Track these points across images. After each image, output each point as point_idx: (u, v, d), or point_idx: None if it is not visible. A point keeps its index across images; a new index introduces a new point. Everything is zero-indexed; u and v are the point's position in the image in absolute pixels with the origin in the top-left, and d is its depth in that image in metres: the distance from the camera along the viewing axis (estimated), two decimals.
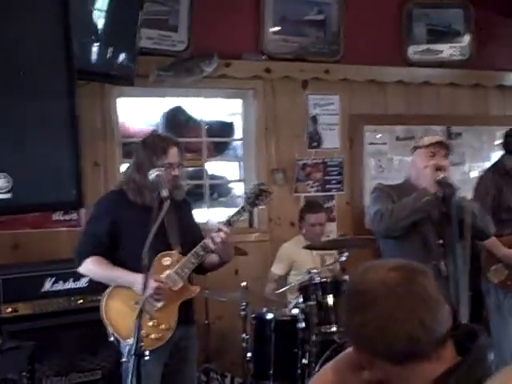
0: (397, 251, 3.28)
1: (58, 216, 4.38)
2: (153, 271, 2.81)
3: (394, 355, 1.31)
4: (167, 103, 4.91)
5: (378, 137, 5.34)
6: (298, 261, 4.54)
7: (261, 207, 3.21)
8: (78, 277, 3.80)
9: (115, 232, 3.00)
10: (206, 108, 5.01)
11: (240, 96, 5.08)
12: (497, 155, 5.71)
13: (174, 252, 3.00)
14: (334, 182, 5.18)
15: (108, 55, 3.88)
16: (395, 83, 5.28)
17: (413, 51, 5.42)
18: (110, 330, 2.94)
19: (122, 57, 3.97)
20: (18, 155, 1.65)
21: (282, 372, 3.93)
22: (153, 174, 2.87)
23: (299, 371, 3.83)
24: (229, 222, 3.04)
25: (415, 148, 3.41)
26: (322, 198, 5.10)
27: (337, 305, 3.84)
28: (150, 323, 2.88)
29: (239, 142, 5.24)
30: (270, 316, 3.97)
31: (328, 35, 5.08)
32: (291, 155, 5.02)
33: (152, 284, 2.80)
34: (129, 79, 3.93)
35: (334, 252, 4.55)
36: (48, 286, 3.79)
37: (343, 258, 3.99)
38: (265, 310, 4.07)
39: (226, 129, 5.25)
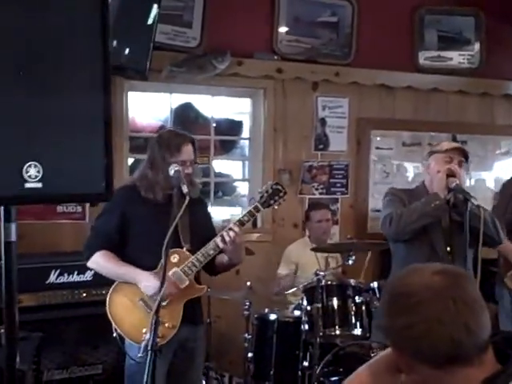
0: (405, 255, 3.30)
1: (62, 208, 4.35)
2: (160, 269, 2.76)
3: (436, 358, 1.31)
4: (177, 99, 4.88)
5: (378, 139, 5.32)
6: (302, 263, 4.54)
7: (275, 207, 3.10)
8: (82, 270, 3.79)
9: (125, 227, 2.98)
10: (215, 105, 4.99)
11: (250, 95, 5.07)
12: (500, 164, 5.76)
13: (182, 250, 2.97)
14: (339, 185, 5.17)
15: (117, 48, 3.84)
16: (404, 88, 5.28)
17: (423, 57, 5.42)
18: (113, 325, 2.92)
19: (133, 50, 3.93)
20: (50, 145, 1.62)
21: (283, 374, 3.92)
22: (172, 170, 2.85)
23: (300, 373, 3.83)
24: (240, 222, 2.98)
25: (432, 152, 3.42)
26: (327, 200, 5.09)
27: (341, 308, 3.86)
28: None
29: (246, 141, 5.23)
30: (272, 317, 3.97)
31: (340, 37, 5.07)
32: (298, 156, 5.02)
33: (157, 284, 2.73)
34: (142, 73, 3.89)
35: (338, 255, 4.56)
36: (53, 278, 3.78)
37: (350, 262, 3.98)
38: (267, 310, 4.07)
39: (234, 127, 5.24)
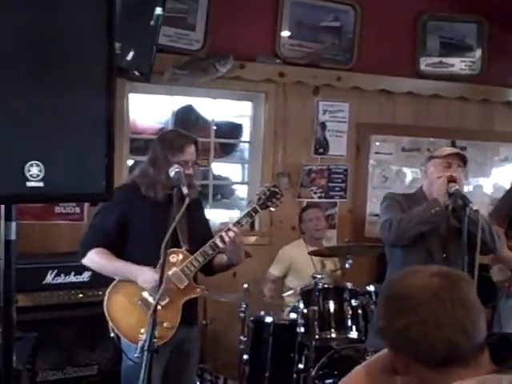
0: (402, 260, 3.30)
1: (60, 209, 4.36)
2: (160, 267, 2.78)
3: (434, 360, 1.33)
4: (178, 101, 4.89)
5: (378, 144, 5.34)
6: (296, 264, 4.56)
7: (272, 209, 3.14)
8: (79, 271, 3.79)
9: (123, 225, 2.99)
10: (216, 108, 5.00)
11: (251, 98, 5.08)
12: (499, 171, 5.78)
13: (181, 250, 2.98)
14: (338, 189, 5.19)
15: (123, 50, 3.85)
16: (405, 94, 5.30)
17: (425, 63, 5.44)
18: (111, 326, 2.92)
19: (136, 52, 3.94)
20: (52, 145, 1.64)
21: (278, 376, 3.93)
22: (173, 171, 2.87)
23: (295, 376, 3.84)
24: (239, 223, 3.02)
25: (431, 157, 3.43)
26: (325, 204, 5.11)
27: (337, 311, 3.88)
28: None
29: (246, 145, 5.24)
30: (268, 319, 3.98)
31: (343, 42, 5.09)
32: (297, 160, 5.03)
33: (155, 276, 2.76)
34: (145, 75, 3.91)
35: (334, 258, 4.58)
36: (50, 278, 3.79)
37: (347, 265, 4.00)
38: (263, 313, 4.08)
39: (234, 130, 5.25)
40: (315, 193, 5.10)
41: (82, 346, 3.81)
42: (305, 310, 3.81)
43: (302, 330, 3.80)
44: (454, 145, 5.53)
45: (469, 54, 5.56)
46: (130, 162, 4.69)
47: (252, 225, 4.94)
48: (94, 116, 1.70)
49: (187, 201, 2.65)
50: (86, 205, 4.32)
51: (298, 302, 3.91)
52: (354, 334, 3.83)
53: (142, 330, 2.63)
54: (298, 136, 5.02)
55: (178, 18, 4.46)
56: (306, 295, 3.88)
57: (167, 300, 2.91)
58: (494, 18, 5.47)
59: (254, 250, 4.52)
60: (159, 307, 2.83)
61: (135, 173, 3.16)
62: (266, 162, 4.98)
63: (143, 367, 2.37)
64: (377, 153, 5.35)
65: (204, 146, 4.93)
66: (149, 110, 4.92)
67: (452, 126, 5.53)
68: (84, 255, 2.99)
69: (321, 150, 5.09)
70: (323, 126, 5.07)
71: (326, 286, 3.91)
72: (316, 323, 3.77)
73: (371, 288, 3.99)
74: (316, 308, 3.77)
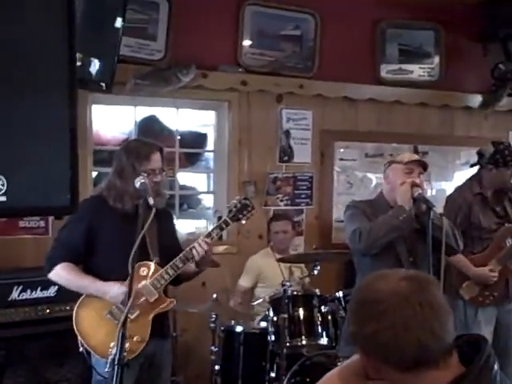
0: (371, 268, 3.29)
1: (24, 223, 4.28)
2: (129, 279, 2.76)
3: (404, 362, 1.34)
4: (141, 112, 4.86)
5: (342, 151, 5.38)
6: (265, 273, 4.56)
7: (243, 222, 3.16)
8: (45, 286, 3.72)
9: (91, 238, 2.95)
10: (179, 118, 4.98)
11: (214, 107, 5.07)
12: (460, 175, 5.88)
13: (151, 263, 2.96)
14: (304, 196, 5.21)
15: (84, 61, 3.82)
16: (366, 101, 5.35)
17: (385, 70, 5.51)
18: (80, 340, 2.88)
19: (96, 63, 3.91)
20: (14, 158, 1.60)
21: None
22: (138, 182, 2.85)
23: None
24: (210, 235, 3.03)
25: (391, 163, 3.47)
26: (292, 212, 5.12)
27: (307, 318, 3.88)
28: None
29: (211, 154, 5.23)
30: (239, 329, 3.97)
31: (304, 51, 5.12)
32: (263, 168, 5.04)
33: (123, 289, 2.75)
34: (106, 86, 3.87)
35: (302, 265, 4.59)
36: (15, 294, 3.70)
37: (315, 272, 4.01)
38: (233, 322, 4.07)
39: (198, 140, 5.24)
40: (281, 200, 5.11)
41: (51, 363, 3.74)
42: (275, 318, 3.81)
43: (273, 338, 3.79)
44: (416, 150, 5.61)
45: (427, 61, 5.65)
46: (94, 174, 4.64)
47: (220, 234, 4.92)
48: (56, 128, 1.68)
49: (153, 211, 2.63)
50: (51, 218, 4.25)
51: (268, 310, 3.91)
52: (324, 341, 3.84)
53: (112, 344, 2.60)
54: (262, 144, 5.03)
55: (138, 29, 4.43)
56: (276, 303, 3.87)
57: (137, 313, 2.88)
58: (451, 25, 5.58)
59: (222, 259, 4.51)
60: (129, 321, 2.82)
61: (101, 185, 3.13)
62: (232, 170, 4.97)
63: (114, 382, 2.33)
64: (341, 159, 5.39)
65: (169, 155, 4.91)
66: (112, 121, 4.88)
67: (413, 132, 5.61)
68: (50, 270, 2.94)
69: (286, 158, 5.11)
70: (287, 133, 5.09)
71: (294, 293, 3.91)
72: (286, 331, 3.76)
73: (340, 294, 4.01)
74: (286, 316, 3.77)
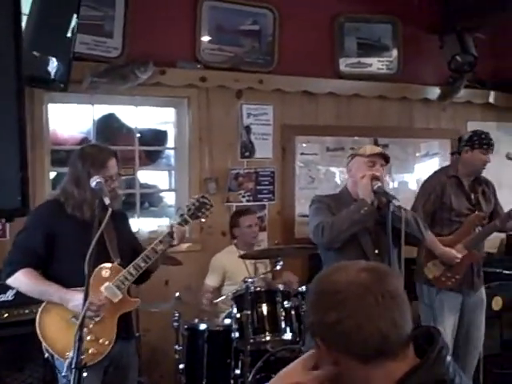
0: (336, 261, 3.32)
1: None
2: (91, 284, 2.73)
3: (366, 352, 1.34)
4: (100, 110, 4.79)
5: (303, 145, 5.39)
6: (230, 271, 4.54)
7: (202, 220, 3.18)
8: (3, 290, 3.62)
9: (50, 244, 2.91)
10: (139, 116, 4.92)
11: (174, 104, 5.03)
12: (421, 166, 5.95)
13: (113, 264, 2.95)
14: (266, 191, 5.21)
15: (35, 59, 3.74)
16: (326, 95, 5.37)
17: (344, 64, 5.52)
18: (45, 346, 2.84)
19: (54, 61, 3.84)
20: None
21: (215, 383, 3.92)
22: (93, 182, 2.81)
23: (232, 382, 3.83)
24: (170, 234, 3.02)
25: (354, 156, 3.49)
26: (254, 207, 5.11)
27: (270, 314, 3.88)
28: (88, 337, 2.78)
29: (172, 151, 5.19)
30: (202, 327, 3.97)
31: (263, 46, 5.11)
32: (224, 164, 5.02)
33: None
34: (62, 85, 3.81)
35: (266, 261, 4.59)
36: None
37: (278, 267, 4.02)
38: (197, 320, 4.05)
39: (159, 137, 5.19)
40: (243, 196, 5.10)
41: (11, 368, 3.66)
42: (238, 315, 3.81)
43: (237, 335, 3.79)
44: (376, 143, 5.65)
45: (385, 54, 5.69)
46: (53, 174, 4.56)
47: None
48: (5, 129, 1.64)
49: (110, 211, 2.61)
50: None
51: (232, 307, 3.91)
52: (288, 336, 3.85)
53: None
54: (223, 140, 5.01)
55: (94, 26, 4.36)
56: (239, 300, 3.87)
57: (101, 315, 2.86)
58: (408, 19, 5.63)
59: (185, 256, 4.49)
60: (93, 324, 2.81)
61: (57, 191, 3.08)
62: (193, 167, 4.94)
63: None
64: (302, 154, 5.40)
65: (128, 154, 4.89)
66: (69, 120, 4.80)
67: (373, 125, 5.65)
68: (9, 275, 2.88)
69: (247, 154, 5.10)
70: (248, 129, 5.08)
71: (257, 289, 3.91)
72: (250, 327, 3.77)
73: (303, 289, 4.02)
74: (249, 312, 3.77)
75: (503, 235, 5.99)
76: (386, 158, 3.42)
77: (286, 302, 3.90)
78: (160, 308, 4.07)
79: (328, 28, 5.45)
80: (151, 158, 5.20)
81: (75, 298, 2.77)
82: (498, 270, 5.11)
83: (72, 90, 4.08)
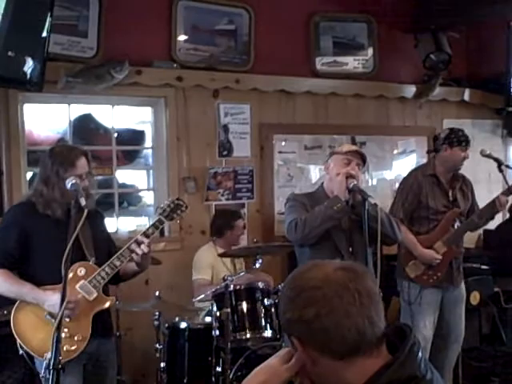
0: (311, 258, 3.35)
1: None
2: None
3: (342, 349, 1.36)
4: (76, 110, 4.78)
5: (281, 144, 5.42)
6: (215, 267, 4.54)
7: (178, 221, 3.18)
8: None
9: (24, 244, 2.92)
10: (116, 115, 4.90)
11: (150, 104, 5.02)
12: (399, 163, 6.01)
13: (89, 262, 2.95)
14: (245, 190, 5.22)
15: (10, 59, 3.72)
16: (303, 93, 5.39)
17: (320, 63, 5.55)
18: (19, 343, 2.84)
19: (28, 61, 3.82)
20: None
21: (196, 381, 3.92)
22: (69, 184, 2.83)
23: (213, 379, 3.83)
24: (146, 235, 3.02)
25: (332, 154, 3.52)
26: (233, 206, 5.13)
27: (250, 311, 3.89)
28: (63, 335, 2.73)
29: (150, 151, 5.18)
30: (183, 325, 3.96)
31: (239, 45, 5.13)
32: (202, 164, 5.02)
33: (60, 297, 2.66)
34: (37, 85, 3.78)
35: (245, 259, 4.60)
36: None
37: (257, 265, 4.02)
38: (178, 319, 4.05)
39: (136, 137, 5.18)
40: (222, 195, 5.11)
41: None
42: (218, 313, 3.81)
43: (217, 333, 3.79)
44: (353, 141, 5.70)
45: (361, 53, 5.73)
46: (29, 175, 4.53)
47: (161, 231, 4.88)
48: None
49: (86, 212, 2.63)
50: None
51: (212, 305, 3.91)
52: (268, 333, 3.85)
53: None
54: (201, 140, 5.01)
55: (69, 26, 4.35)
56: (219, 298, 3.87)
57: (77, 312, 2.85)
58: (383, 17, 5.68)
59: (165, 255, 4.50)
60: (68, 320, 2.79)
61: (30, 191, 3.10)
62: (171, 167, 4.94)
63: None
64: (280, 152, 5.42)
65: (106, 154, 4.88)
66: (46, 120, 4.77)
67: (350, 123, 5.69)
68: None
69: (225, 153, 5.11)
70: (226, 128, 5.09)
71: (237, 287, 3.92)
72: (230, 325, 3.77)
73: (282, 286, 4.03)
74: (229, 310, 3.77)
75: (480, 231, 6.08)
76: (362, 157, 3.44)
77: (265, 300, 3.90)
78: (141, 307, 4.06)
79: (304, 27, 5.48)
80: (129, 158, 5.18)
81: (51, 299, 2.77)
82: (475, 265, 5.17)
83: (47, 91, 4.06)
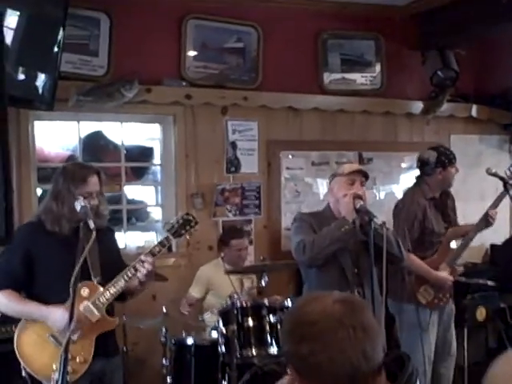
0: (317, 279, 3.38)
1: None
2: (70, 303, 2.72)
3: (337, 383, 1.39)
4: (86, 127, 4.84)
5: (288, 160, 5.45)
6: (215, 284, 4.58)
7: (187, 237, 3.16)
8: None
9: (30, 264, 2.92)
10: (125, 133, 4.97)
11: (159, 121, 5.08)
12: (406, 177, 6.02)
13: (93, 282, 2.94)
14: (252, 206, 5.26)
15: (21, 77, 3.78)
16: (311, 110, 5.42)
17: (328, 80, 5.59)
18: (22, 364, 2.84)
19: (39, 76, 3.88)
20: None
21: None
22: (78, 205, 2.83)
23: None
24: (152, 253, 3.00)
25: (334, 176, 3.54)
26: (240, 222, 5.17)
27: (256, 328, 3.91)
28: None
29: (158, 167, 5.23)
30: (189, 341, 3.98)
31: (247, 63, 5.18)
32: (210, 180, 5.06)
33: (65, 316, 2.66)
34: (48, 104, 3.85)
35: (253, 276, 4.63)
36: None
37: (263, 283, 4.06)
38: (184, 334, 4.07)
39: (145, 154, 5.23)
40: (230, 211, 5.15)
41: None
42: (224, 330, 3.83)
43: (224, 349, 3.82)
44: (360, 157, 5.73)
45: (369, 70, 5.76)
46: (39, 192, 4.59)
47: (169, 246, 4.92)
48: None
49: (94, 235, 2.62)
50: None
51: (218, 322, 3.93)
52: (274, 350, 3.86)
53: (55, 367, 2.58)
54: (209, 156, 5.06)
55: (80, 45, 4.42)
56: (225, 315, 3.89)
57: (79, 334, 2.85)
58: (390, 35, 5.72)
59: (172, 271, 4.54)
60: (71, 342, 2.75)
61: (39, 208, 3.10)
62: (179, 183, 4.98)
63: None
64: (288, 168, 5.45)
65: (115, 170, 4.93)
66: (56, 137, 4.83)
67: (357, 139, 5.71)
68: None
69: (233, 169, 5.15)
70: (234, 145, 5.14)
71: (243, 304, 3.94)
72: (236, 342, 3.79)
73: (288, 303, 4.05)
74: (235, 327, 3.80)
75: (487, 245, 6.09)
76: (365, 175, 3.46)
77: (271, 316, 3.93)
78: (148, 324, 4.10)
79: (311, 44, 5.52)
80: (138, 174, 5.23)
81: (54, 314, 2.79)
82: (481, 281, 5.17)
83: (58, 109, 4.13)
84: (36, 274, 2.94)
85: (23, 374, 2.85)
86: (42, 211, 3.00)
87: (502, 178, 4.32)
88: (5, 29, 3.43)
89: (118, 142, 4.98)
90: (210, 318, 4.22)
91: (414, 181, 4.42)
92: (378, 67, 5.78)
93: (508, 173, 4.29)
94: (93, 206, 2.92)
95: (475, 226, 4.26)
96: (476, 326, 4.81)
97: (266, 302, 4.02)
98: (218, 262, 4.69)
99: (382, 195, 5.93)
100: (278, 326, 3.91)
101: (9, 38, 3.59)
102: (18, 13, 3.64)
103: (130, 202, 5.15)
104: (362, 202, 3.30)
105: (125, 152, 4.97)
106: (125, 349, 4.24)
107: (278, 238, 5.38)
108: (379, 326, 1.48)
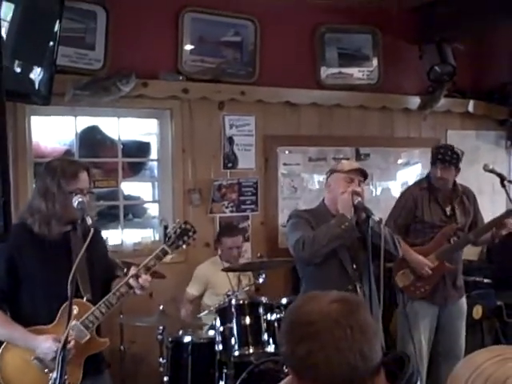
0: (316, 276, 3.35)
1: None
2: (58, 323, 2.62)
3: (335, 383, 1.37)
4: (83, 122, 4.78)
5: (285, 156, 5.42)
6: (213, 282, 4.56)
7: (184, 247, 2.91)
8: None
9: (14, 274, 2.70)
10: (121, 127, 4.91)
11: (156, 116, 5.03)
12: (403, 173, 6.01)
13: (82, 300, 2.72)
14: (249, 202, 5.22)
15: (17, 71, 3.72)
16: (308, 105, 5.39)
17: (325, 74, 5.56)
18: None
19: (35, 70, 3.82)
20: None
21: None
22: (75, 202, 2.63)
23: None
24: (147, 267, 2.77)
25: (332, 171, 3.51)
26: (237, 218, 5.13)
27: (253, 326, 3.90)
28: (50, 382, 2.49)
29: (155, 162, 5.19)
30: (187, 339, 3.97)
31: (244, 57, 5.13)
32: (207, 176, 5.03)
33: (53, 347, 2.53)
34: (44, 98, 3.79)
35: (250, 273, 4.61)
36: None
37: (261, 280, 4.04)
38: (181, 333, 4.06)
39: (142, 149, 5.18)
40: (227, 207, 5.12)
41: None
42: (221, 328, 3.82)
43: (221, 347, 3.81)
44: (358, 152, 5.71)
45: (366, 64, 5.73)
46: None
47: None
48: None
49: (92, 232, 2.44)
50: None
51: (215, 319, 3.92)
52: (271, 348, 3.86)
53: None
54: (206, 151, 5.01)
55: (76, 38, 4.36)
56: (222, 313, 3.88)
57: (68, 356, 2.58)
58: (388, 29, 5.68)
59: (169, 268, 4.47)
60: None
61: (24, 210, 2.83)
62: (176, 179, 4.94)
63: None
64: (285, 164, 5.43)
65: (112, 165, 4.89)
66: (53, 132, 4.77)
67: (355, 135, 5.69)
68: None
69: (230, 165, 5.11)
70: (231, 140, 5.10)
71: (240, 302, 3.92)
72: (233, 340, 3.78)
73: (284, 301, 4.04)
74: (232, 325, 3.79)
75: None
76: (364, 174, 3.44)
77: (268, 315, 3.91)
78: (145, 322, 4.07)
79: (309, 39, 5.48)
80: (134, 170, 5.18)
81: (43, 346, 2.59)
82: (478, 279, 5.18)
83: (54, 103, 4.07)
84: (20, 285, 2.71)
85: None
86: (28, 212, 2.76)
87: (499, 175, 4.31)
88: (0, 21, 3.36)
89: (115, 137, 4.93)
90: (207, 316, 4.20)
91: None
92: (375, 61, 5.75)
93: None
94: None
95: (477, 229, 4.26)
96: (472, 323, 4.80)
97: (262, 300, 4.01)
98: (216, 260, 4.68)
99: (379, 191, 5.91)
100: (275, 325, 3.91)
101: (4, 30, 3.51)
102: (13, 5, 3.56)
103: (126, 197, 5.09)
104: (359, 199, 3.28)
105: (121, 147, 4.92)
106: (122, 347, 4.22)
107: (275, 235, 5.36)
108: (377, 324, 1.46)
